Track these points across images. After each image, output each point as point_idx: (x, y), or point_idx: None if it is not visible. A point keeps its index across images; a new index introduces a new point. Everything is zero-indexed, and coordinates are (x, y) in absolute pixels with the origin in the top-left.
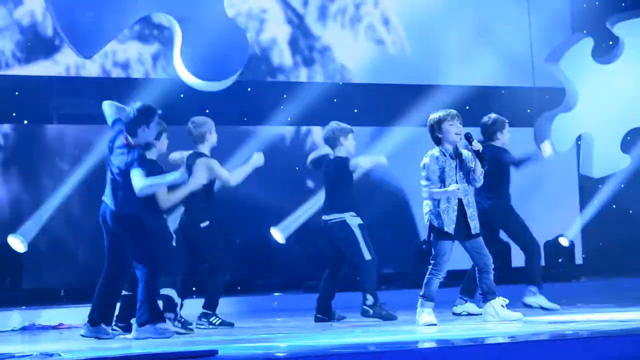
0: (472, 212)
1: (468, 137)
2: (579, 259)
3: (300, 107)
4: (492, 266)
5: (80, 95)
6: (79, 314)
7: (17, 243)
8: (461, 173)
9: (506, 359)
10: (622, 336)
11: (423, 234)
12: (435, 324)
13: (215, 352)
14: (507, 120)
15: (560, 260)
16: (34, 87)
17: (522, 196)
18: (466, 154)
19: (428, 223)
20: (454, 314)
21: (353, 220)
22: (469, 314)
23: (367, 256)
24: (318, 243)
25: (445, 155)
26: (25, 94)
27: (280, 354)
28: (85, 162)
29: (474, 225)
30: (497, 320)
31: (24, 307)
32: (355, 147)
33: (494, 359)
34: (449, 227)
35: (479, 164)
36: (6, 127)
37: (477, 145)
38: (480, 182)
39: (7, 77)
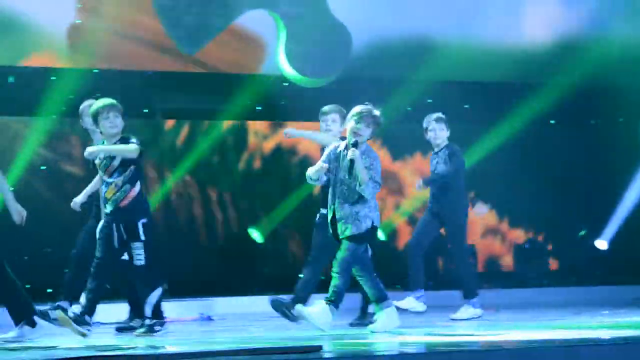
0: None
1: (355, 144)
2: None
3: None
4: None
5: (180, 90)
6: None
7: None
8: None
9: None
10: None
11: None
12: (397, 325)
13: (319, 347)
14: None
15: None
16: (137, 81)
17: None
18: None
19: (371, 225)
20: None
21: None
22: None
23: None
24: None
25: None
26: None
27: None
28: None
29: None
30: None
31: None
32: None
33: None
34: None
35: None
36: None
37: (350, 154)
38: (366, 194)
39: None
